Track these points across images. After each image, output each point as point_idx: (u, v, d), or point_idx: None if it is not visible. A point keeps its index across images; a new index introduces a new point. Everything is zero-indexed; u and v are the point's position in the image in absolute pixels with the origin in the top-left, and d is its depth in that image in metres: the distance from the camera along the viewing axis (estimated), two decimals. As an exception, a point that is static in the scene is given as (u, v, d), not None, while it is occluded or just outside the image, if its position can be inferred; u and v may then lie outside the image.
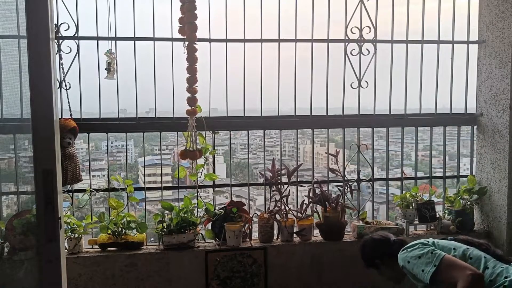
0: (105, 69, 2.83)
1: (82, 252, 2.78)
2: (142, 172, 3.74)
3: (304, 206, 3.02)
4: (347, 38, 3.12)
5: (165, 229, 2.81)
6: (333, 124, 3.20)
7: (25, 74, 1.68)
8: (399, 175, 3.35)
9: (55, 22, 2.69)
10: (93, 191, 2.86)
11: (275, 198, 2.98)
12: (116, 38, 2.87)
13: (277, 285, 2.89)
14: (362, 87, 3.15)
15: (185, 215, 2.84)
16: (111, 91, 2.86)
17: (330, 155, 3.10)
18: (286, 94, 3.08)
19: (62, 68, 2.78)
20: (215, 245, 2.89)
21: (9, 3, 1.86)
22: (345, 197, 3.11)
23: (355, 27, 3.11)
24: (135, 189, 2.93)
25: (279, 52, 3.06)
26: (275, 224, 2.97)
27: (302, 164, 3.26)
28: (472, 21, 3.32)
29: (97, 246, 2.82)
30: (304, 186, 3.13)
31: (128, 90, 2.90)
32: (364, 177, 3.23)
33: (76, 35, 2.79)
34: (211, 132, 3.00)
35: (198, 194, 2.94)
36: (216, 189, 3.04)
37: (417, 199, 3.15)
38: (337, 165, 3.08)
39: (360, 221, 3.13)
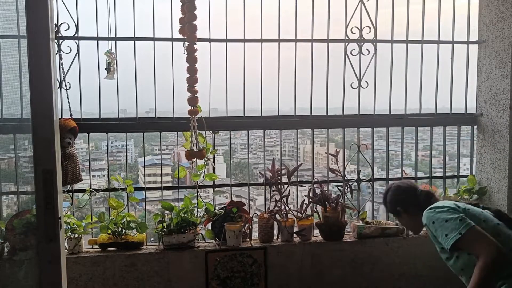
0: (105, 69, 2.83)
1: (82, 252, 2.78)
2: (142, 172, 3.74)
3: (304, 206, 3.01)
4: (347, 38, 3.12)
5: (165, 229, 2.81)
6: (333, 124, 3.20)
7: (25, 74, 1.67)
8: (399, 175, 3.35)
9: (55, 22, 2.69)
10: (93, 191, 2.85)
11: (275, 198, 2.98)
12: (116, 38, 2.87)
13: (277, 285, 2.89)
14: (362, 87, 3.15)
15: (185, 215, 2.83)
16: (111, 91, 2.86)
17: (330, 155, 3.10)
18: (286, 94, 3.08)
19: (62, 68, 2.77)
20: (215, 245, 2.89)
21: (9, 3, 1.86)
22: (345, 197, 3.11)
23: (355, 27, 3.11)
24: (135, 189, 2.93)
25: (279, 52, 3.06)
26: (275, 224, 2.97)
27: (302, 164, 3.26)
28: (472, 21, 3.32)
29: (97, 246, 2.82)
30: (304, 186, 3.13)
31: (128, 90, 2.90)
32: (364, 177, 3.23)
33: (76, 35, 2.79)
34: (211, 132, 3.00)
35: (198, 194, 2.94)
36: (216, 189, 3.03)
37: (417, 199, 3.14)
38: (337, 165, 3.08)
39: (360, 221, 3.13)
